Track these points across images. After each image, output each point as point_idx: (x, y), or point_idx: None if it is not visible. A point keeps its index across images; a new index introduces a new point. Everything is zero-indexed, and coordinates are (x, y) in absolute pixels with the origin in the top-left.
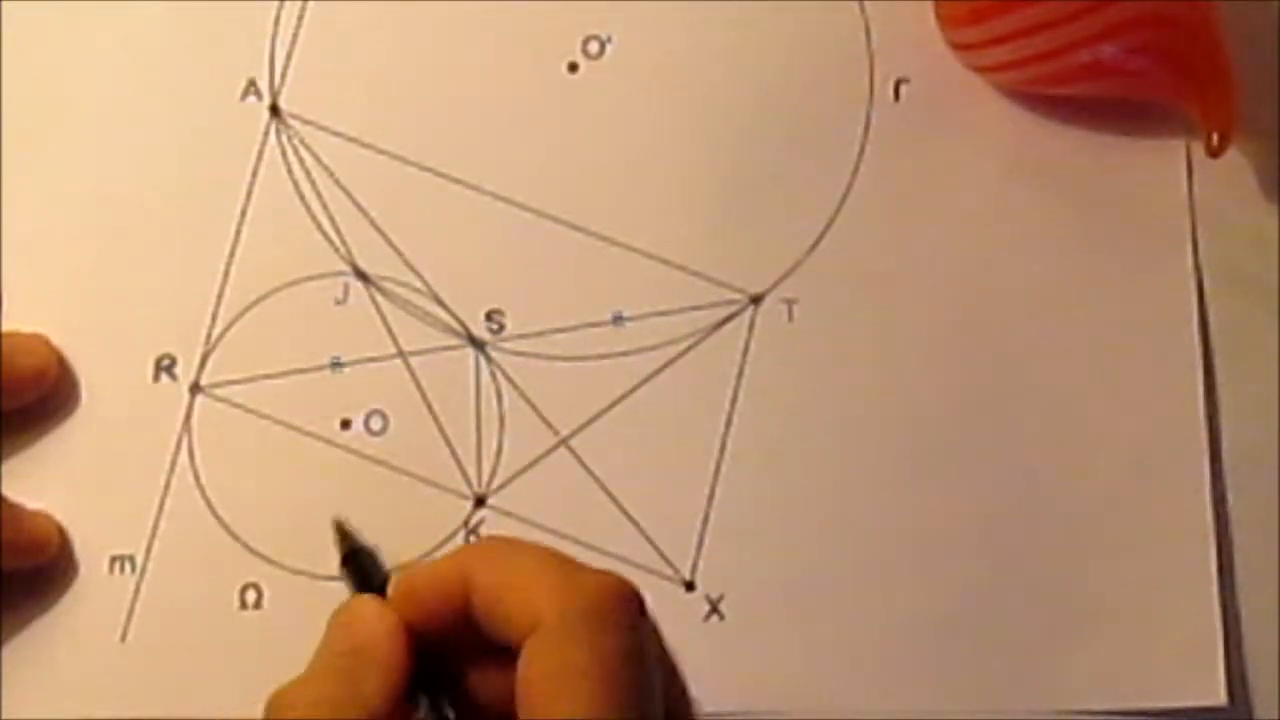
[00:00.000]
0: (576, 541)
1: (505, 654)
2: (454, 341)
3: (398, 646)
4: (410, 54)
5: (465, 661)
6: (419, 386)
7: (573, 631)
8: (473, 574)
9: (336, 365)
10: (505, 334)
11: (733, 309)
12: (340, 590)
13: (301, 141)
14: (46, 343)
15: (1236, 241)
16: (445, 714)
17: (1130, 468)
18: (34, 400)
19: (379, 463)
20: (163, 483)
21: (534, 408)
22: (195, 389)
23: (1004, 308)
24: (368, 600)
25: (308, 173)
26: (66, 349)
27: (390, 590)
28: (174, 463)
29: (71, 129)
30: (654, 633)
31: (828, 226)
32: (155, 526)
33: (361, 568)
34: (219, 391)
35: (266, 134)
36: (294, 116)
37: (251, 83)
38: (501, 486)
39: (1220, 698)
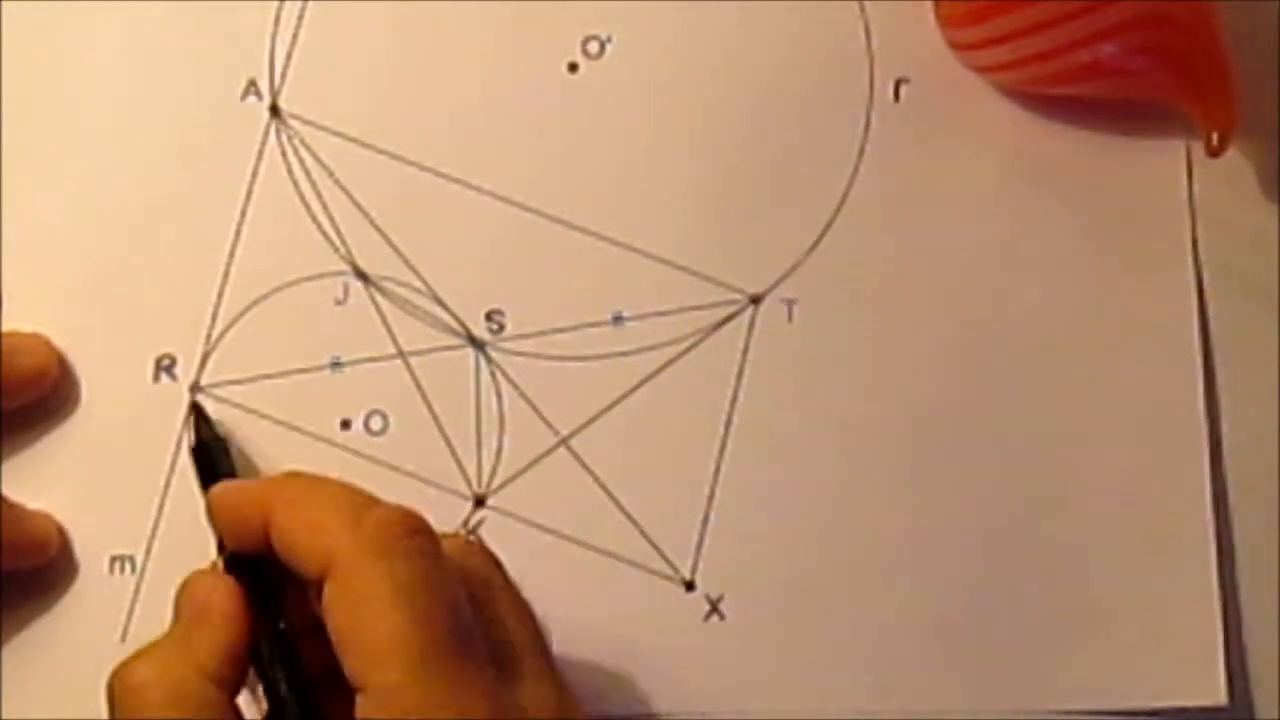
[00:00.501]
0: (577, 541)
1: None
2: (454, 341)
3: (228, 606)
4: (410, 54)
5: (303, 583)
6: (419, 386)
7: (367, 562)
8: (271, 513)
9: (336, 365)
10: (505, 334)
11: (733, 309)
12: None
13: (301, 141)
14: (46, 343)
15: (1236, 241)
16: (275, 676)
17: (1130, 468)
18: (34, 400)
19: (379, 463)
20: (163, 483)
21: (534, 408)
22: (195, 389)
23: (1004, 308)
24: (203, 570)
25: (308, 173)
26: (66, 349)
27: (206, 505)
28: (174, 463)
29: (71, 129)
30: (481, 552)
31: (828, 226)
32: (155, 526)
33: (209, 461)
34: (219, 391)
35: (266, 134)
36: (294, 116)
37: (251, 83)
38: (501, 486)
39: (1220, 698)
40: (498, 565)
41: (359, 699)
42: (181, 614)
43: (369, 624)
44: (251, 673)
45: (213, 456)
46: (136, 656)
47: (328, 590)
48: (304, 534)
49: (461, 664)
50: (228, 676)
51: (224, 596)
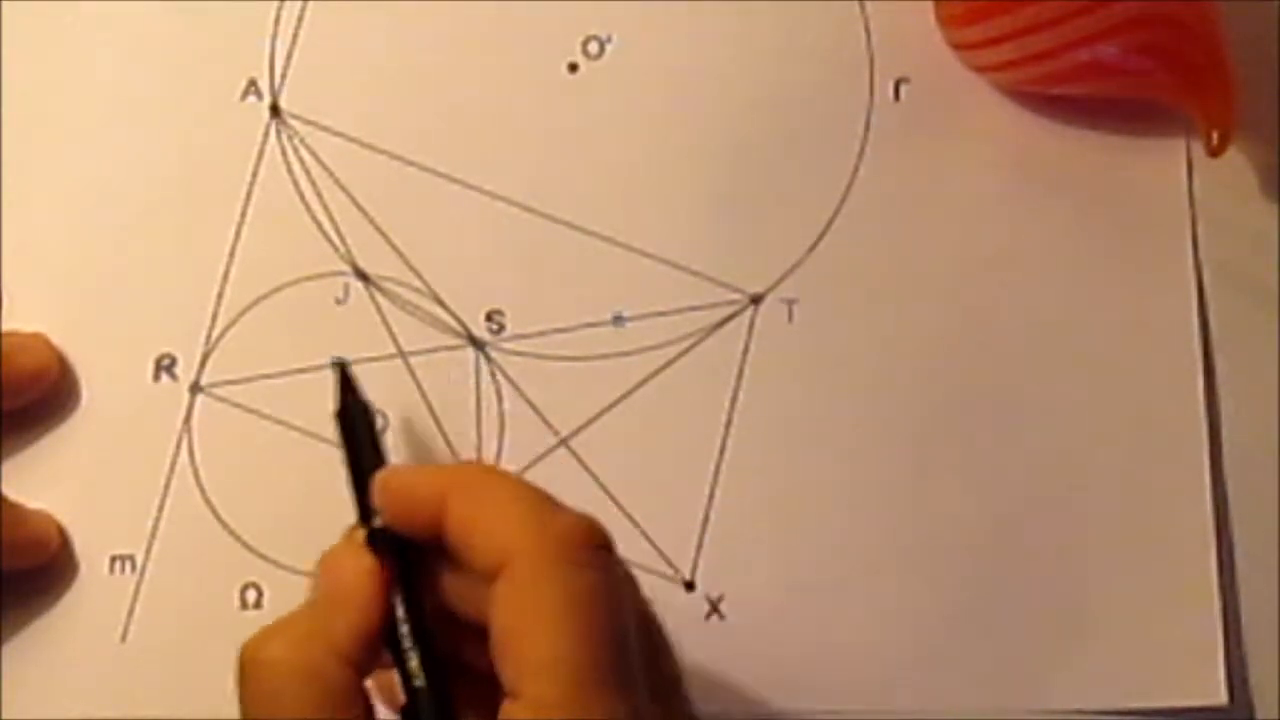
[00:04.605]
0: None
1: (485, 578)
2: (454, 341)
3: (370, 589)
4: (410, 54)
5: (448, 568)
6: (419, 386)
7: (545, 569)
8: (449, 498)
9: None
10: (505, 334)
11: (733, 309)
12: None
13: (301, 141)
14: (46, 343)
15: (1236, 241)
16: (412, 665)
17: (1130, 468)
18: (34, 400)
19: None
20: (163, 483)
21: (534, 408)
22: (195, 389)
23: (1004, 308)
24: (347, 545)
25: (308, 173)
26: (66, 349)
27: (374, 489)
28: (174, 463)
29: (71, 129)
30: (630, 580)
31: (828, 226)
32: (155, 526)
33: (355, 428)
34: (219, 391)
35: (266, 134)
36: (294, 116)
37: (251, 83)
38: None
39: (1220, 697)
40: (639, 592)
41: (508, 703)
42: (319, 589)
43: (537, 633)
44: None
45: (359, 424)
46: (270, 631)
47: (500, 588)
48: (486, 525)
49: (620, 691)
50: (361, 659)
51: (363, 575)
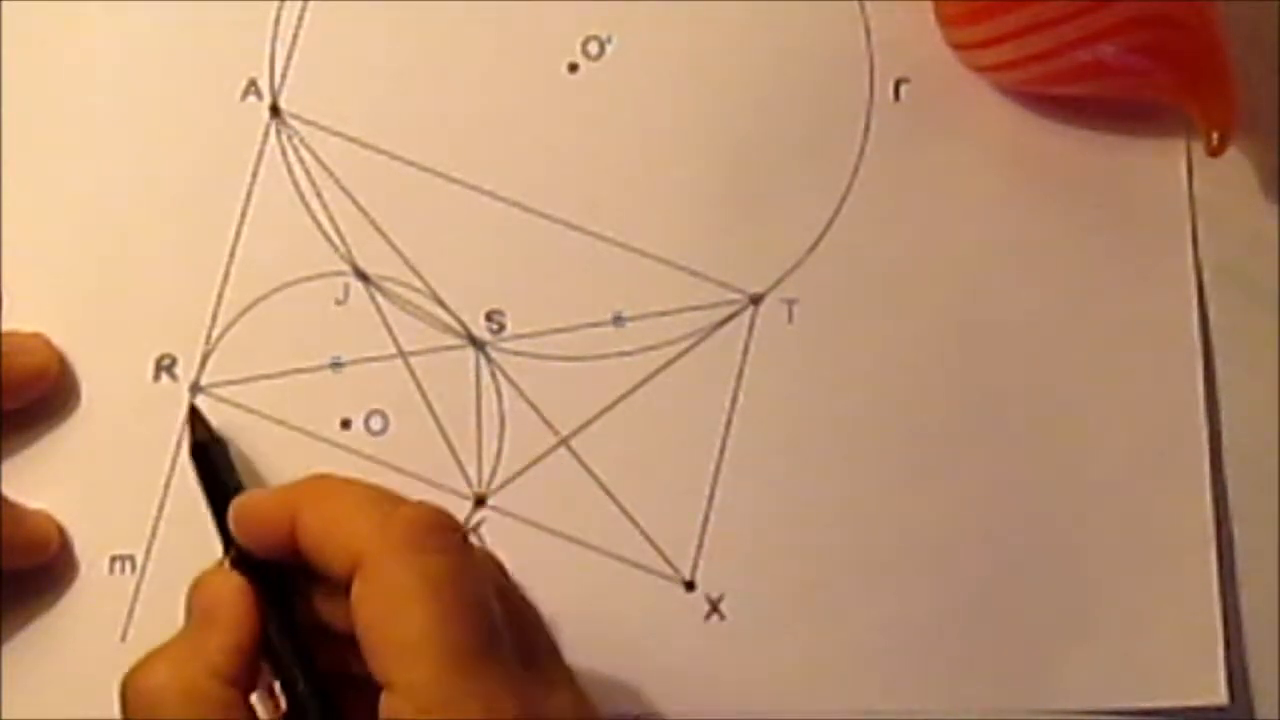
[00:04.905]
0: (577, 541)
1: (343, 586)
2: (454, 341)
3: (240, 606)
4: (410, 54)
5: (316, 586)
6: (419, 386)
7: (395, 559)
8: (298, 513)
9: (336, 365)
10: (505, 334)
11: (733, 309)
12: None
13: (301, 141)
14: (46, 343)
15: (1236, 241)
16: (292, 674)
17: (1130, 468)
18: (34, 400)
19: (379, 463)
20: (163, 483)
21: (534, 408)
22: (195, 389)
23: (1004, 307)
24: (215, 569)
25: (308, 173)
26: (66, 349)
27: (229, 518)
28: (174, 463)
29: (71, 129)
30: (488, 557)
31: (828, 226)
32: (155, 526)
33: (209, 462)
34: (219, 391)
35: (266, 134)
36: (294, 116)
37: (251, 83)
38: (501, 486)
39: (1221, 697)
40: (503, 569)
41: (385, 696)
42: (192, 614)
43: (398, 620)
44: (264, 673)
45: (213, 458)
46: (148, 659)
47: (356, 586)
48: (332, 531)
49: (490, 663)
50: (240, 676)
51: (233, 595)
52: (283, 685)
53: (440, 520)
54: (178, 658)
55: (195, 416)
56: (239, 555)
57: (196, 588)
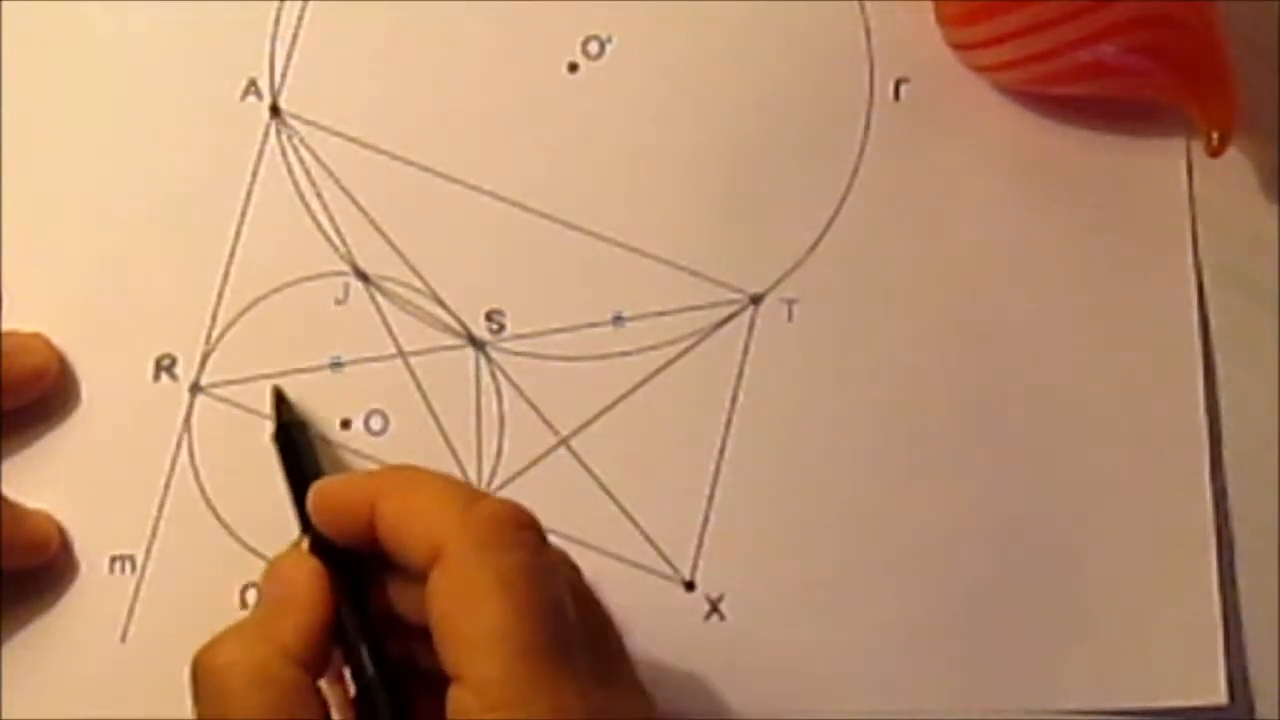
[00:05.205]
0: (577, 541)
1: (419, 576)
2: (454, 341)
3: (314, 588)
4: (410, 54)
5: (389, 576)
6: (419, 386)
7: (474, 553)
8: (377, 501)
9: (336, 365)
10: (505, 334)
11: (733, 309)
12: None
13: (301, 141)
14: (46, 343)
15: (1236, 241)
16: (362, 661)
17: (1130, 468)
18: (34, 400)
19: (379, 463)
20: (163, 483)
21: (534, 408)
22: (195, 389)
23: (1004, 308)
24: (291, 551)
25: (308, 173)
26: (66, 349)
27: (308, 501)
28: (174, 463)
29: (71, 129)
30: (564, 559)
31: (828, 226)
32: (155, 526)
33: (292, 445)
34: (219, 391)
35: (266, 134)
36: (294, 116)
37: (251, 83)
38: (501, 486)
39: (1221, 697)
40: (578, 570)
41: (453, 689)
42: (266, 595)
43: (472, 614)
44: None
45: (295, 441)
46: (219, 638)
47: (433, 578)
48: (412, 522)
49: (561, 662)
50: (311, 658)
51: (308, 578)
52: (352, 672)
53: (521, 517)
54: (249, 637)
55: (279, 399)
56: (315, 540)
57: (272, 569)
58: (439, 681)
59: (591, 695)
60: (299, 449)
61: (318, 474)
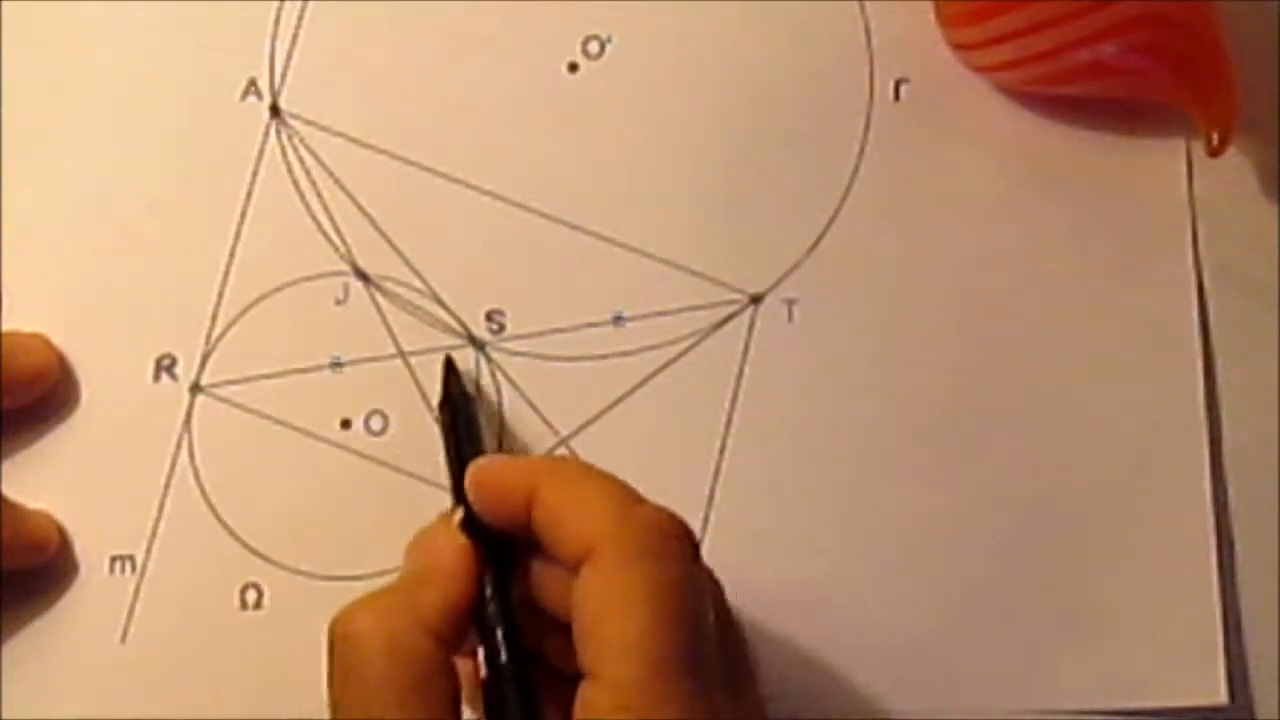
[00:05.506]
0: None
1: (569, 568)
2: (454, 341)
3: (459, 564)
4: (410, 54)
5: (534, 562)
6: (419, 386)
7: (628, 556)
8: (539, 488)
9: (336, 365)
10: (505, 334)
11: (733, 309)
12: (341, 592)
13: (301, 141)
14: (46, 343)
15: (1236, 241)
16: (496, 645)
17: (1130, 468)
18: (34, 400)
19: (379, 463)
20: (163, 483)
21: (534, 408)
22: (195, 389)
23: (1004, 308)
24: (440, 524)
25: (308, 173)
26: (66, 349)
27: (465, 479)
28: (174, 463)
29: (71, 129)
30: (710, 578)
31: (828, 226)
32: (155, 526)
33: (457, 416)
34: (219, 391)
35: (266, 134)
36: (294, 116)
37: (251, 83)
38: None
39: (1220, 697)
40: (721, 590)
41: (586, 685)
42: (409, 566)
43: (618, 618)
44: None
45: (461, 412)
46: (358, 604)
47: (584, 575)
48: (572, 515)
49: (695, 678)
50: (448, 634)
51: (454, 553)
52: (486, 655)
53: (678, 528)
54: (388, 606)
55: (450, 369)
56: (467, 517)
57: (418, 541)
58: (566, 677)
59: (720, 713)
60: (463, 422)
61: (480, 450)
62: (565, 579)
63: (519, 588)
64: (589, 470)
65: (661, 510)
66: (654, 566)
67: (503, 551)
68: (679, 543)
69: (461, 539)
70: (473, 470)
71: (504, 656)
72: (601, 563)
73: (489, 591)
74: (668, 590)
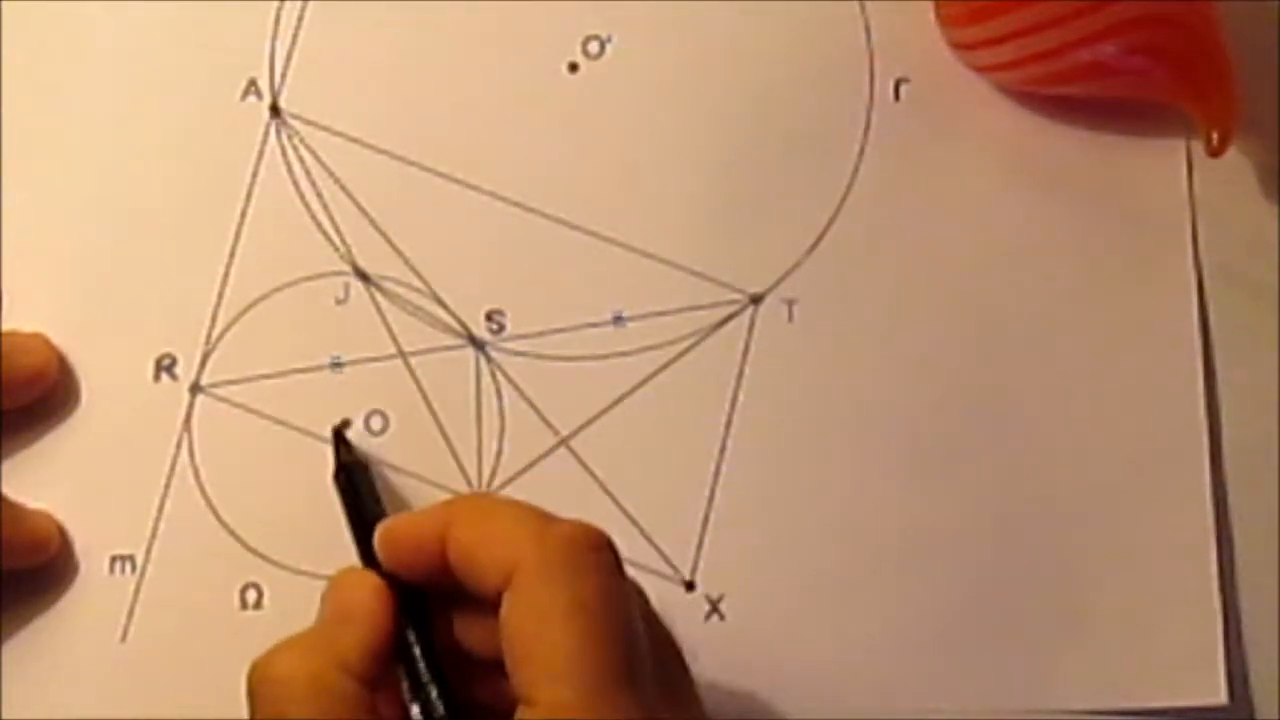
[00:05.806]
0: None
1: (490, 602)
2: (454, 341)
3: (376, 604)
4: (410, 54)
5: (452, 609)
6: (419, 386)
7: (549, 575)
8: (450, 528)
9: (336, 365)
10: (505, 334)
11: (733, 309)
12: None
13: (301, 141)
14: (46, 343)
15: (1236, 241)
16: (422, 679)
17: (1130, 468)
18: (34, 400)
19: (379, 463)
20: (163, 483)
21: (534, 408)
22: (195, 389)
23: (1004, 308)
24: (351, 568)
25: (308, 173)
26: (66, 349)
27: (375, 541)
28: (174, 463)
29: (71, 129)
30: (635, 589)
31: (828, 226)
32: (155, 526)
33: (352, 484)
34: (219, 391)
35: (266, 134)
36: (294, 116)
37: (251, 83)
38: (502, 486)
39: (1220, 697)
40: (645, 596)
41: (523, 710)
42: (327, 608)
43: (548, 638)
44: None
45: (356, 481)
46: (277, 649)
47: (508, 601)
48: (486, 547)
49: (632, 690)
50: (369, 673)
51: (370, 593)
52: (410, 695)
53: (596, 540)
54: (308, 648)
55: (339, 440)
56: (381, 576)
57: (334, 583)
58: (496, 715)
59: (660, 717)
60: (360, 490)
61: (379, 515)
62: (488, 616)
63: (442, 637)
64: (496, 500)
65: (577, 525)
66: (576, 582)
67: (420, 594)
68: (599, 554)
69: (375, 579)
70: (381, 530)
71: (434, 693)
72: (523, 586)
73: (410, 633)
74: (594, 604)
